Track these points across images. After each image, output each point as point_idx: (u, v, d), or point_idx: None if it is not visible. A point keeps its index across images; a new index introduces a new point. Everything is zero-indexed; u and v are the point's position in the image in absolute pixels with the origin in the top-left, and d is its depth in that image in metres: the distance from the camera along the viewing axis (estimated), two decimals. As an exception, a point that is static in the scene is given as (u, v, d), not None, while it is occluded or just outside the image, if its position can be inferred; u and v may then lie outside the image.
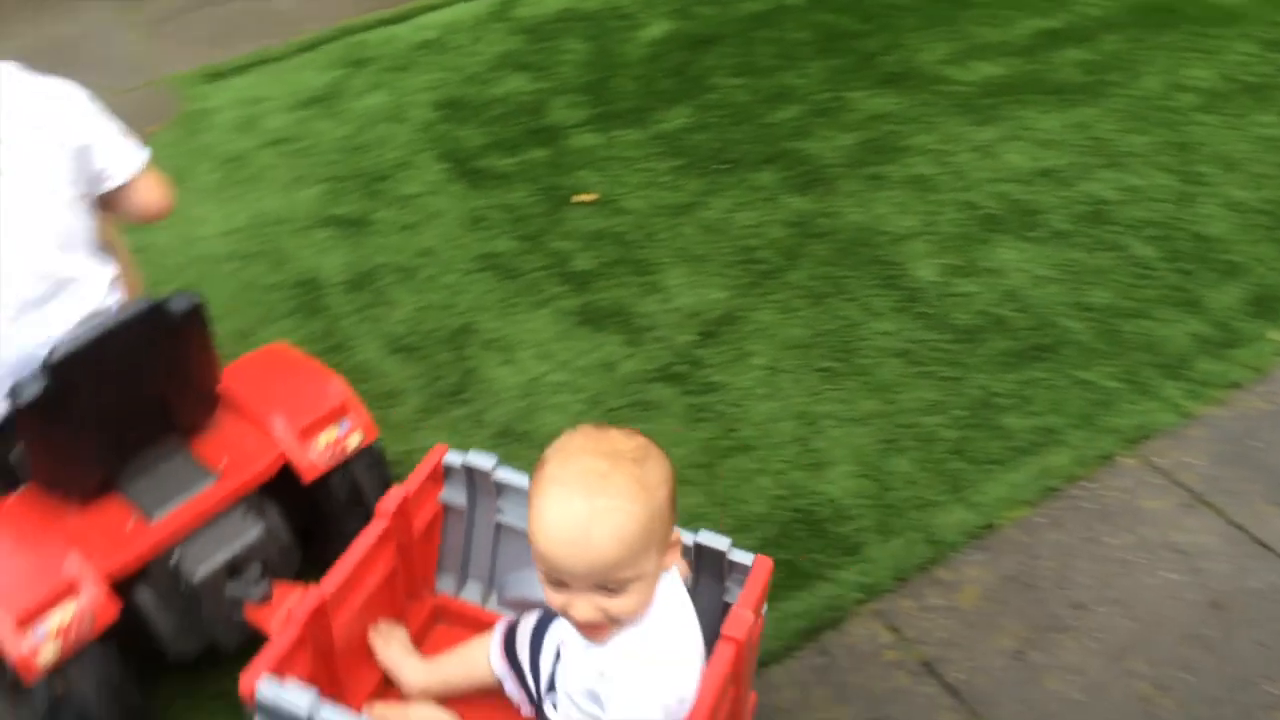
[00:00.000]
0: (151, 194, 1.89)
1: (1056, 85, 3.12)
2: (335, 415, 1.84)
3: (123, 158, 1.83)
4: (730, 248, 2.72)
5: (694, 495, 2.12)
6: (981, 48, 3.30)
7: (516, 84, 3.42)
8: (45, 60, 1.96)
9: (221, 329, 1.95)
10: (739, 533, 2.01)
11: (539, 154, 3.10)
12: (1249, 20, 3.21)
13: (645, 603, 1.23)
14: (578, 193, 2.94)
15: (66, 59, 3.26)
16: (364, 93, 3.43)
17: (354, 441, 1.85)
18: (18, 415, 1.58)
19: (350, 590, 1.52)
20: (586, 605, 1.20)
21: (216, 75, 3.51)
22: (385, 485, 1.84)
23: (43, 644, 1.53)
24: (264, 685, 1.31)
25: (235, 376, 1.90)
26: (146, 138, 2.93)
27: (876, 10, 3.56)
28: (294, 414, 1.83)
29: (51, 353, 1.57)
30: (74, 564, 1.60)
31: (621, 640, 1.24)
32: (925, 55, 3.32)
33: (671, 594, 1.29)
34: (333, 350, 2.50)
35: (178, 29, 3.80)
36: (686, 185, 2.93)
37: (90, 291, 1.73)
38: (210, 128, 3.28)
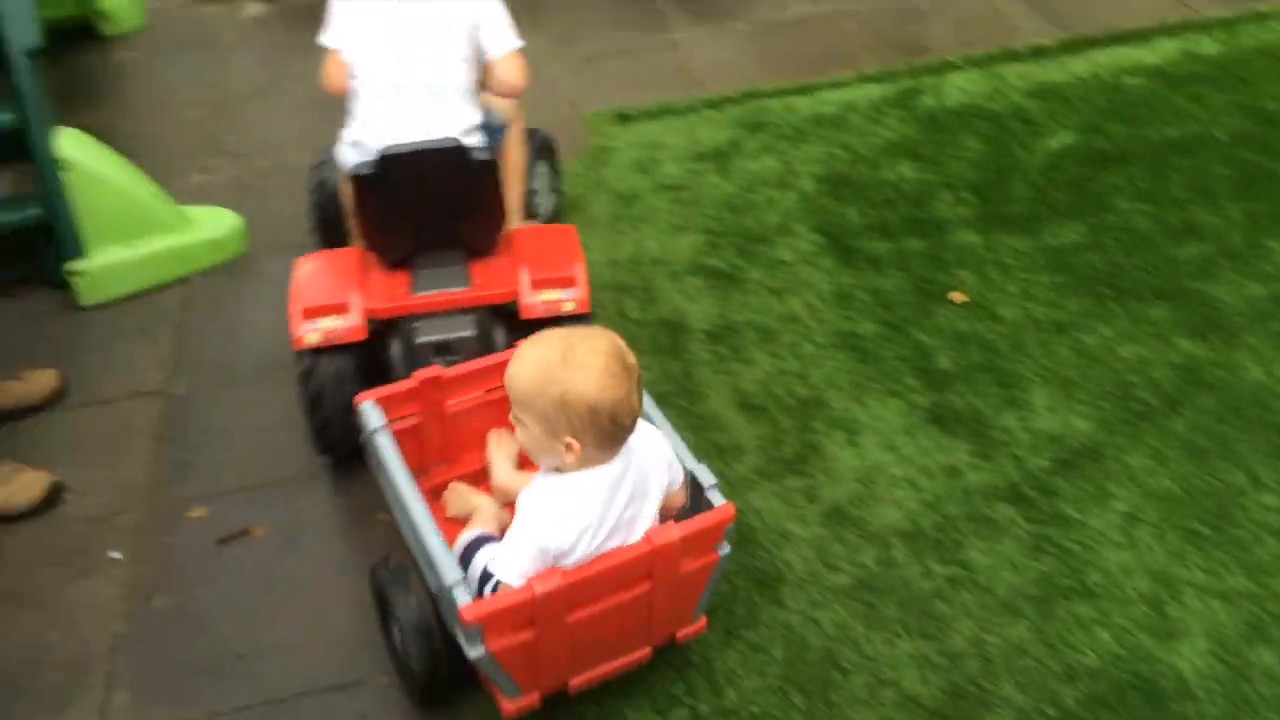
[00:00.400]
0: (511, 72, 2.47)
1: None
2: (564, 283, 2.40)
3: (501, 39, 2.44)
4: (1106, 379, 2.57)
5: (1018, 628, 2.01)
6: None
7: (905, 171, 3.41)
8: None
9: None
10: (1066, 682, 1.89)
11: (916, 244, 3.08)
12: None
13: (538, 454, 1.70)
14: (951, 289, 2.89)
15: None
16: (756, 155, 3.54)
17: (568, 307, 2.38)
18: (354, 184, 2.32)
19: (469, 384, 2.13)
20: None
21: (626, 118, 3.74)
22: None
23: (310, 332, 2.29)
24: (365, 403, 2.00)
25: (523, 233, 2.57)
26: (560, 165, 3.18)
27: (1315, 160, 3.28)
28: (537, 269, 2.41)
29: (387, 148, 2.24)
30: (354, 297, 2.33)
31: (535, 480, 1.75)
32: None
33: (588, 488, 1.69)
34: (684, 393, 2.59)
35: (599, 72, 4.09)
36: (1067, 304, 2.81)
37: (445, 123, 2.35)
38: (612, 164, 3.50)
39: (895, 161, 3.47)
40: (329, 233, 2.88)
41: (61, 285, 2.97)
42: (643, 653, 1.90)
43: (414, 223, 2.38)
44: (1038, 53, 4.04)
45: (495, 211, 2.44)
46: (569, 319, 2.34)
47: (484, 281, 2.39)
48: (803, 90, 3.90)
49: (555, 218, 3.13)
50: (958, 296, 2.87)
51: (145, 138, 3.77)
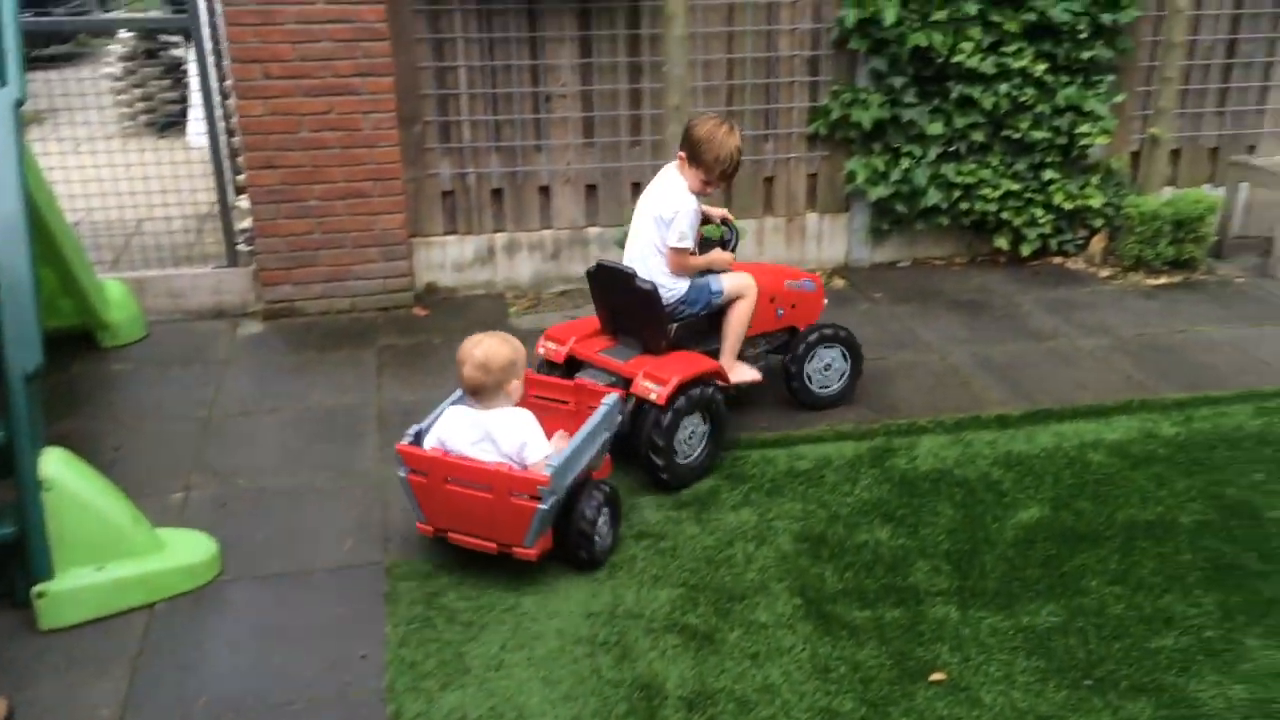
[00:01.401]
0: (673, 260, 3.84)
1: None
2: (660, 383, 3.61)
3: (671, 238, 3.80)
4: (1093, 781, 2.49)
5: None
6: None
7: (882, 535, 3.46)
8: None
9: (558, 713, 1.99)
10: None
11: (895, 614, 3.07)
12: None
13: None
14: (931, 667, 2.86)
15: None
16: (735, 507, 3.60)
17: (652, 396, 3.60)
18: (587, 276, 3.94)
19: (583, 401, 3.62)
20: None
21: (609, 460, 3.82)
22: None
23: (543, 346, 3.98)
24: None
25: (682, 355, 3.83)
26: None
27: (1278, 551, 3.36)
28: (654, 370, 3.67)
29: (601, 260, 3.86)
30: (571, 341, 3.96)
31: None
32: (1335, 616, 3.06)
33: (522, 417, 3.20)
34: (659, 771, 2.47)
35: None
36: (1048, 693, 2.77)
37: (643, 266, 3.83)
38: (593, 509, 3.53)
39: (872, 523, 3.52)
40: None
41: (24, 604, 2.88)
42: (490, 545, 3.14)
43: (610, 312, 3.94)
44: (1003, 422, 4.22)
45: (655, 324, 3.77)
46: (651, 404, 3.60)
47: (630, 366, 3.73)
48: (779, 443, 4.02)
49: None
50: (938, 676, 2.83)
51: (130, 450, 3.79)
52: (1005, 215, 5.78)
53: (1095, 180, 5.79)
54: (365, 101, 4.90)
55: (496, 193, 5.48)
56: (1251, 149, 6.13)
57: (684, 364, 3.72)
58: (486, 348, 3.14)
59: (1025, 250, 5.85)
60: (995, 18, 5.44)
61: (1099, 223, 5.86)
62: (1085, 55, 5.56)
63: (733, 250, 4.10)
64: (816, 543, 3.41)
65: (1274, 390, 4.40)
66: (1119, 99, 5.74)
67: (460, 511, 3.12)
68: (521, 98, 5.34)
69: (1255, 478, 3.77)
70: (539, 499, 3.02)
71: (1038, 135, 5.62)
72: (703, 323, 3.99)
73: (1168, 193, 5.92)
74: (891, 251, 6.03)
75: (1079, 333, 5.08)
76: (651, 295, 3.68)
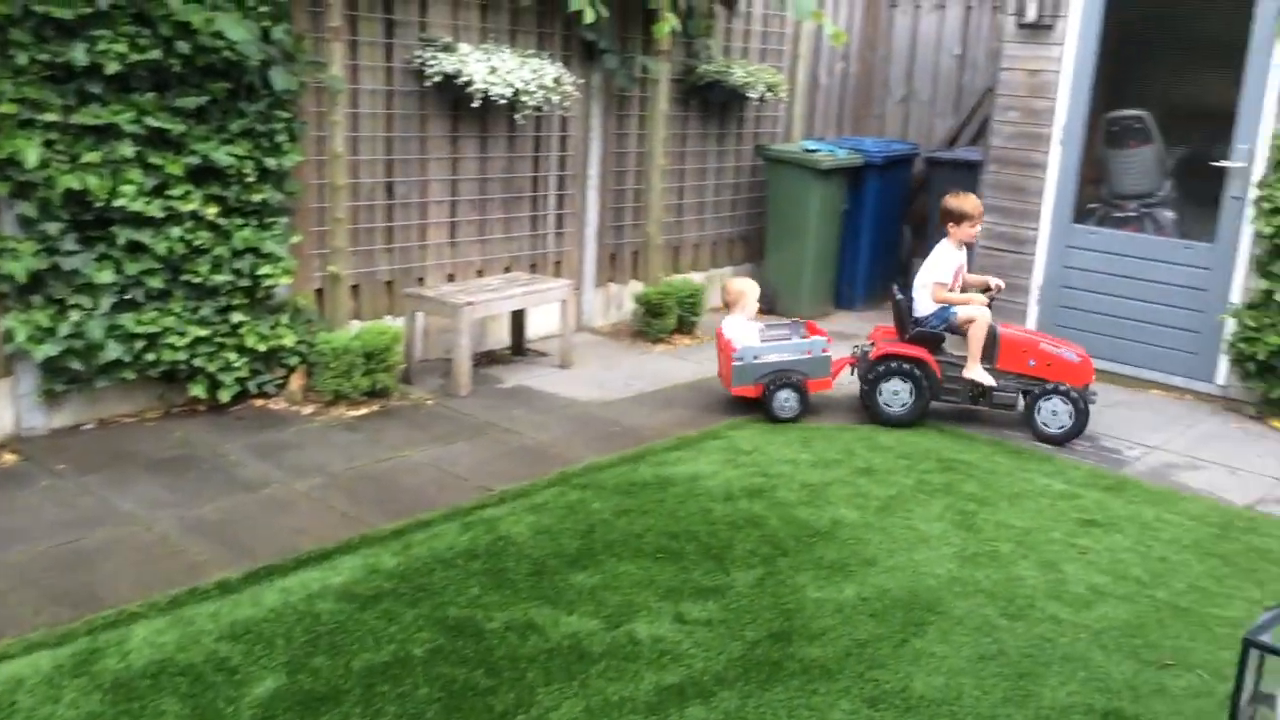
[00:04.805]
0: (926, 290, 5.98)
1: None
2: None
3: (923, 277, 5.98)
4: None
5: None
6: (612, 704, 3.33)
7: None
8: None
9: None
10: None
11: None
12: (846, 676, 3.54)
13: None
14: None
15: None
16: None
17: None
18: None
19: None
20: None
21: None
22: None
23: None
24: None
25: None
26: None
27: (503, 663, 3.53)
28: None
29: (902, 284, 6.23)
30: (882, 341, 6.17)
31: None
32: (556, 715, 3.28)
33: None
34: None
35: None
36: None
37: (917, 296, 6.02)
38: None
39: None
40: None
41: None
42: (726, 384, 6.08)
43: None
44: (225, 588, 3.90)
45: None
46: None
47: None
48: (-52, 678, 3.22)
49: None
50: None
51: None
52: (198, 362, 5.48)
53: (285, 319, 5.79)
54: None
55: None
56: (421, 280, 6.67)
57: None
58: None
59: (224, 396, 5.61)
60: (155, 160, 5.17)
61: (295, 361, 5.86)
62: (256, 198, 5.55)
63: None
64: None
65: (473, 504, 4.72)
66: (296, 239, 5.83)
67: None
68: None
69: (472, 593, 3.96)
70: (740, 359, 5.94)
71: (219, 278, 5.45)
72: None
73: (355, 326, 6.15)
74: (72, 414, 5.35)
75: (291, 476, 4.97)
76: (899, 302, 6.05)
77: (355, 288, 6.37)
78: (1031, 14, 6.91)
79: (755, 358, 5.99)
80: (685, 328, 7.59)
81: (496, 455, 5.35)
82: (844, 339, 7.85)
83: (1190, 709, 3.43)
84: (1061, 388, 5.73)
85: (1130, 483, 5.29)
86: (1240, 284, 6.41)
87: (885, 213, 8.62)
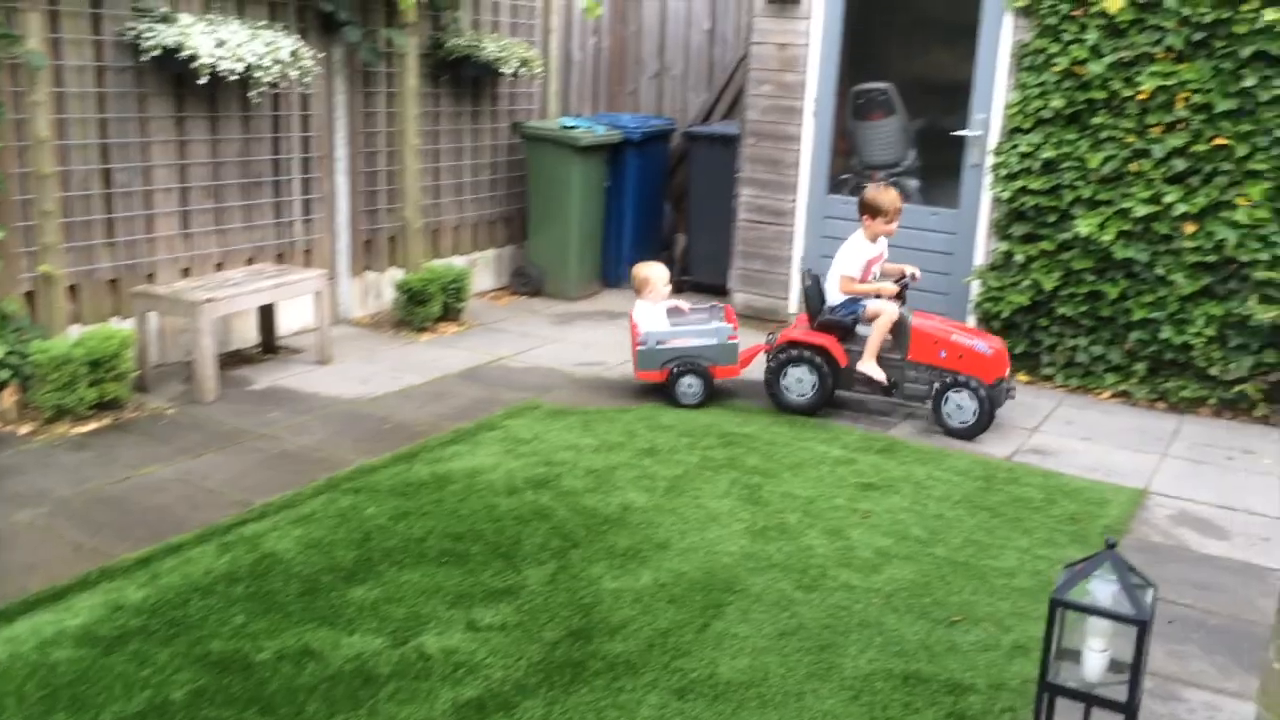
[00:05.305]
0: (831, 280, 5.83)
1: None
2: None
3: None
4: None
5: None
6: (406, 729, 3.05)
7: None
8: None
9: None
10: None
11: None
12: (651, 669, 3.40)
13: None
14: None
15: None
16: None
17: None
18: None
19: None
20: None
21: None
22: None
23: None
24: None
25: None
26: None
27: (279, 698, 3.17)
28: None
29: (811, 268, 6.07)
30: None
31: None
32: (346, 747, 2.97)
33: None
34: None
35: None
36: None
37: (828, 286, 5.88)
38: None
39: None
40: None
41: None
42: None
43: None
44: (-67, 647, 3.33)
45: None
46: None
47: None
48: None
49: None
50: None
51: None
52: (-117, 383, 4.70)
53: (-9, 328, 5.08)
54: None
55: None
56: (151, 277, 6.03)
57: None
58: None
59: (-81, 420, 4.84)
60: None
61: (6, 375, 5.14)
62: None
63: None
64: None
65: (230, 522, 4.27)
66: (-2, 236, 5.12)
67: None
68: None
69: (237, 622, 3.55)
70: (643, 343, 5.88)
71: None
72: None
73: (76, 332, 5.48)
74: None
75: (11, 505, 4.34)
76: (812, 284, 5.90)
77: (73, 288, 5.67)
78: (779, -12, 7.01)
79: (658, 343, 5.85)
80: (451, 315, 7.27)
81: (253, 465, 4.89)
82: (612, 318, 7.77)
83: (982, 662, 3.50)
84: (967, 381, 5.54)
85: (900, 444, 5.45)
86: (983, 247, 6.75)
87: (647, 189, 8.58)
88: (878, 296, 5.74)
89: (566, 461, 4.98)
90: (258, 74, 5.84)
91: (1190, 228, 5.96)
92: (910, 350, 5.70)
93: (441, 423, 5.48)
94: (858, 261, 5.76)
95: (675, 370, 5.86)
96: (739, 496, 4.69)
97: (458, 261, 7.88)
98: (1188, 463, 5.41)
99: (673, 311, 6.16)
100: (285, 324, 6.78)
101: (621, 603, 3.77)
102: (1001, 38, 6.50)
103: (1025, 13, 6.33)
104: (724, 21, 9.07)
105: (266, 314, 6.51)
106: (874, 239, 5.78)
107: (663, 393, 5.93)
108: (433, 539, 4.17)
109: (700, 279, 8.37)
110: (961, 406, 5.57)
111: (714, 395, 5.94)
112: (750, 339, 6.38)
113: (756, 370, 6.09)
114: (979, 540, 4.38)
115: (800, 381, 5.78)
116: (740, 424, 5.61)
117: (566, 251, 8.11)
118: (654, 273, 6.10)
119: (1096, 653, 2.47)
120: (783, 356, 5.79)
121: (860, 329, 5.73)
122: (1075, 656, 2.53)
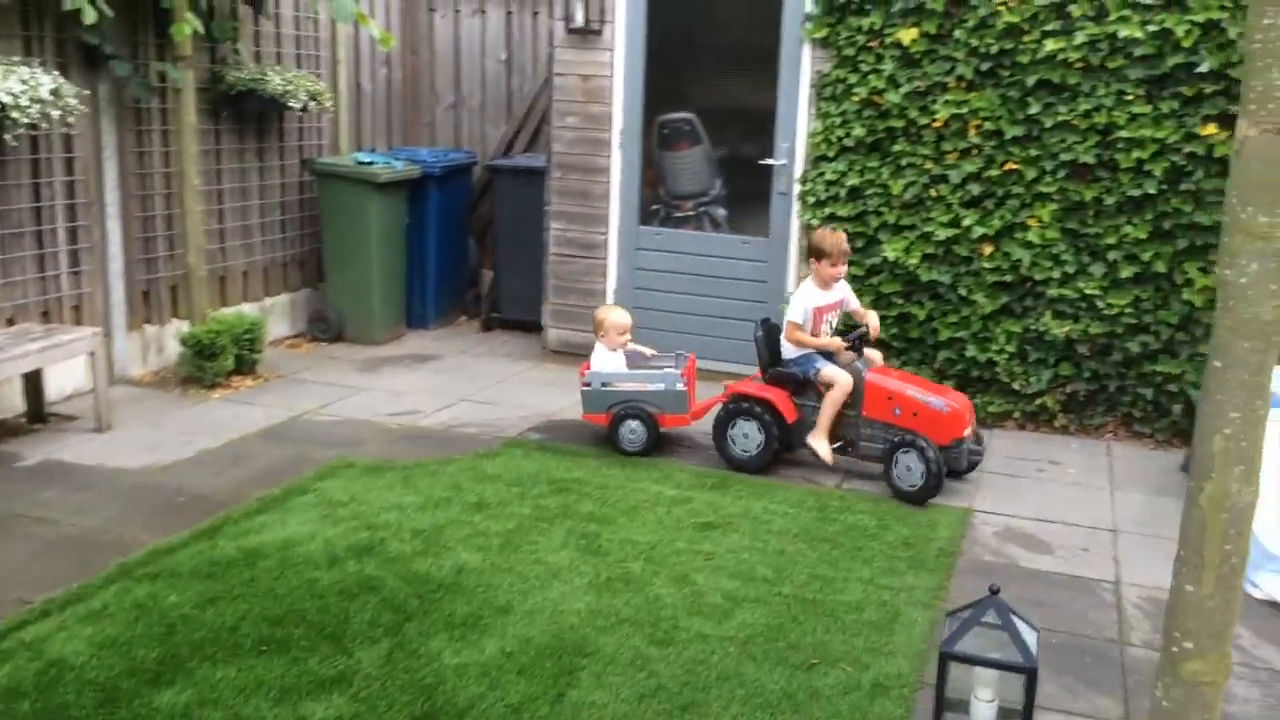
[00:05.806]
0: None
1: None
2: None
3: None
4: None
5: None
6: None
7: None
8: None
9: None
10: None
11: None
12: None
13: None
14: None
15: None
16: None
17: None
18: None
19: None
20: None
21: None
22: None
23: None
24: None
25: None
26: None
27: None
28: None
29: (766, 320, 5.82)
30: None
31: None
32: None
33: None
34: None
35: None
36: None
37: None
38: None
39: None
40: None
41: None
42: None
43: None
44: None
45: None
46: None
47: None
48: None
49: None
50: None
51: None
52: None
53: None
54: None
55: None
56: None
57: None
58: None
59: None
60: None
61: None
62: None
63: None
64: None
65: (7, 626, 3.72)
66: None
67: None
68: None
69: (20, 750, 3.06)
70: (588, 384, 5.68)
71: None
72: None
73: None
74: None
75: None
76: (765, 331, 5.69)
77: None
78: (579, 19, 6.89)
79: (603, 384, 5.62)
80: (246, 367, 6.74)
81: (29, 555, 4.31)
82: (421, 361, 7.43)
83: (845, 706, 3.42)
84: (914, 440, 5.13)
85: (733, 479, 5.37)
86: (794, 274, 6.81)
87: (449, 225, 8.27)
88: (828, 355, 5.46)
89: (390, 524, 4.64)
90: (14, 114, 5.22)
91: (988, 249, 6.20)
92: (865, 406, 5.34)
93: (245, 490, 5.01)
94: (803, 308, 5.44)
95: (619, 414, 5.62)
96: (578, 547, 4.48)
97: (249, 309, 7.34)
98: (1004, 477, 5.58)
99: (635, 356, 5.92)
100: (55, 388, 6.11)
101: (467, 679, 3.49)
102: (802, 68, 6.59)
103: (824, 44, 6.45)
104: (521, 51, 8.88)
105: (33, 379, 5.84)
106: (825, 285, 5.47)
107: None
108: (248, 625, 3.76)
109: (509, 315, 8.12)
110: (911, 469, 5.14)
111: (659, 444, 5.70)
112: (566, 377, 6.18)
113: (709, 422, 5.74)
114: (823, 574, 4.33)
115: (747, 437, 5.47)
116: (569, 469, 5.40)
117: (368, 293, 7.70)
118: (608, 315, 5.84)
119: (985, 703, 2.40)
120: (731, 408, 5.51)
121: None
122: (963, 707, 2.46)
